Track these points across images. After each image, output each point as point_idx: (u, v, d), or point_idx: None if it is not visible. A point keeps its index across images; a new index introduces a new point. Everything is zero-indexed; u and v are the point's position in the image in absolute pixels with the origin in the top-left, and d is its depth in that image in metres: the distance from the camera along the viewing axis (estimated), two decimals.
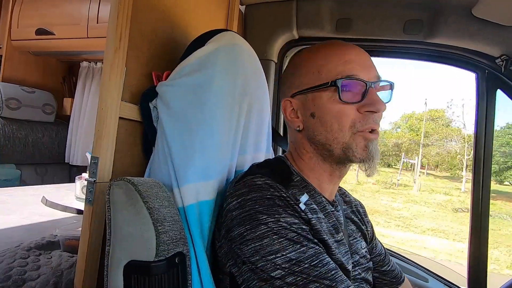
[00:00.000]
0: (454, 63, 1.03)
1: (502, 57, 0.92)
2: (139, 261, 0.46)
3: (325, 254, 0.47)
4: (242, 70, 0.68)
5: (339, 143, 0.53)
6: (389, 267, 0.73)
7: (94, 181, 0.59)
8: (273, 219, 0.46)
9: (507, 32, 0.88)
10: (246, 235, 0.46)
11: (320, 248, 0.47)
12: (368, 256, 0.67)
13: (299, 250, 0.45)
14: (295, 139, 0.60)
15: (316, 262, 0.45)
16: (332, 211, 0.58)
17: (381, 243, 0.76)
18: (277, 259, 0.44)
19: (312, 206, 0.53)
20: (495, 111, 0.99)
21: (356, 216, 0.70)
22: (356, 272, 0.60)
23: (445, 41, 0.99)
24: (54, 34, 1.75)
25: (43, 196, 1.28)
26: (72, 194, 1.41)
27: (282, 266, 0.43)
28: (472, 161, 1.03)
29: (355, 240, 0.64)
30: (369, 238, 0.72)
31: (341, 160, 0.55)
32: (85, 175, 1.41)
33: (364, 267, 0.63)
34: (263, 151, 0.78)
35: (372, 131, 0.53)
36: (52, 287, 0.61)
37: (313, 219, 0.51)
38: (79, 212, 1.16)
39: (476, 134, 1.00)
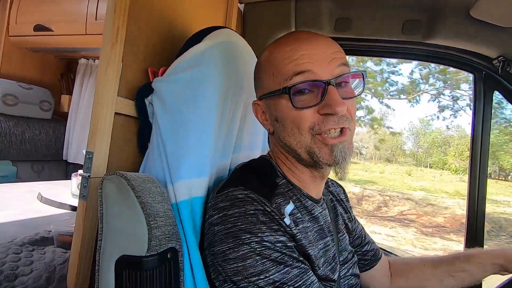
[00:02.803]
0: (452, 64, 1.03)
1: (499, 59, 0.92)
2: (130, 256, 0.46)
3: (310, 273, 0.47)
4: (238, 67, 0.68)
5: (302, 147, 0.51)
6: (369, 247, 0.74)
7: (89, 176, 0.59)
8: (256, 239, 0.44)
9: (505, 33, 0.88)
10: (228, 253, 0.45)
11: (305, 266, 0.47)
12: (352, 249, 0.67)
13: (282, 271, 0.44)
14: (271, 140, 0.60)
15: (299, 283, 0.44)
16: (319, 213, 0.58)
17: (360, 224, 0.76)
18: (259, 281, 0.43)
19: (297, 215, 0.52)
20: (491, 112, 0.99)
21: (341, 205, 0.70)
22: (346, 270, 0.61)
23: (443, 42, 0.99)
24: (53, 31, 1.75)
25: (39, 193, 1.28)
26: (68, 191, 1.40)
27: None
28: (469, 162, 1.03)
29: (343, 236, 0.64)
30: (352, 222, 0.72)
31: (310, 165, 0.53)
32: (81, 172, 1.41)
33: (352, 261, 0.63)
34: (259, 149, 0.78)
35: (342, 130, 0.50)
36: (45, 282, 0.61)
37: (298, 234, 0.50)
38: (74, 208, 1.16)
39: (472, 135, 1.00)
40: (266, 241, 0.45)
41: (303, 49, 0.49)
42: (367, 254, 0.73)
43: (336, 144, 0.49)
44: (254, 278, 0.43)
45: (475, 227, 0.99)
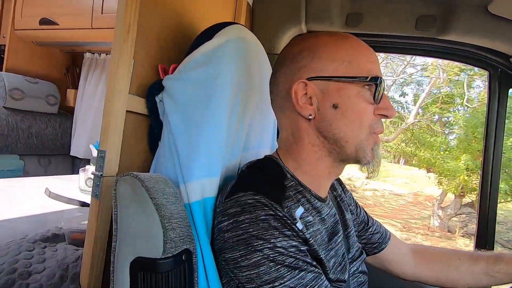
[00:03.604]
0: (467, 61, 1.01)
1: None
2: (145, 258, 0.45)
3: (323, 277, 0.46)
4: (249, 64, 0.67)
5: (355, 141, 0.51)
6: (374, 229, 0.73)
7: (101, 175, 0.58)
8: (269, 245, 0.43)
9: None
10: (240, 261, 0.44)
11: (318, 270, 0.46)
12: (360, 245, 0.67)
13: (297, 277, 0.43)
14: (298, 129, 0.54)
15: None
16: (328, 213, 0.57)
17: (363, 209, 0.76)
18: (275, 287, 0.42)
19: (307, 219, 0.51)
20: (506, 110, 0.97)
21: (342, 197, 0.69)
22: (354, 268, 0.60)
23: (458, 38, 0.96)
24: (58, 24, 1.73)
25: (47, 188, 1.28)
26: (75, 185, 1.41)
27: None
28: (481, 162, 1.01)
29: (351, 232, 0.64)
30: (355, 210, 0.72)
31: (348, 159, 0.53)
32: (89, 167, 1.41)
33: (360, 259, 0.63)
34: (268, 148, 0.77)
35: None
36: (58, 280, 0.61)
37: (310, 238, 0.49)
38: (83, 204, 1.16)
39: (486, 133, 0.99)
40: (279, 247, 0.44)
41: (373, 54, 0.54)
42: (372, 237, 0.72)
43: (379, 143, 0.54)
44: (269, 286, 0.43)
45: (485, 229, 0.98)
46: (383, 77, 0.53)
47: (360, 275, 0.62)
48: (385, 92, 0.54)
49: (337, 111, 0.51)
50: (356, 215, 0.72)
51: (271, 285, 0.42)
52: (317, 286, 0.44)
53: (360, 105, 0.51)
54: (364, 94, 0.51)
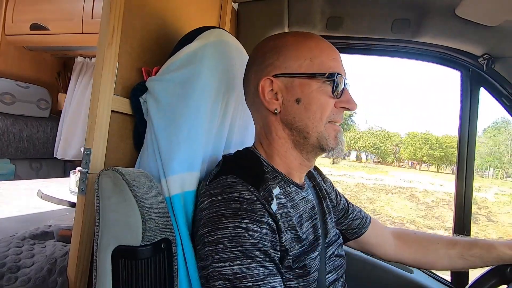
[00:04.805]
0: (440, 62, 1.06)
1: (484, 56, 0.95)
2: (126, 246, 0.48)
3: (276, 278, 0.46)
4: (229, 65, 0.71)
5: (316, 132, 0.56)
6: (354, 215, 0.77)
7: (87, 171, 0.61)
8: (233, 224, 0.45)
9: (489, 32, 0.91)
10: (205, 237, 0.47)
11: (273, 269, 0.46)
12: (337, 231, 0.70)
13: (247, 266, 0.44)
14: (267, 123, 0.59)
15: (260, 283, 0.43)
16: (301, 199, 0.61)
17: (344, 197, 0.79)
18: (224, 268, 0.44)
19: (281, 200, 0.55)
20: (478, 108, 1.03)
21: (321, 186, 0.73)
22: (331, 252, 0.64)
23: (430, 40, 1.02)
24: (49, 29, 1.75)
25: (39, 190, 1.30)
26: (66, 187, 1.43)
27: (226, 277, 0.43)
28: (456, 157, 1.06)
29: (329, 219, 0.67)
30: (335, 199, 0.75)
31: (313, 148, 0.57)
32: (80, 169, 1.43)
33: (337, 243, 0.66)
34: (251, 145, 0.81)
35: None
36: (46, 273, 0.64)
37: (280, 219, 0.51)
38: (73, 205, 1.18)
39: (460, 131, 1.03)
40: (243, 228, 0.45)
41: (335, 52, 0.58)
42: (352, 223, 0.77)
43: (340, 130, 0.58)
44: (219, 265, 0.44)
45: (462, 216, 1.03)
46: (345, 73, 0.58)
47: (337, 258, 0.65)
48: (347, 87, 0.59)
49: (300, 105, 0.56)
50: (336, 203, 0.76)
51: (221, 264, 0.44)
52: (263, 283, 0.44)
53: (321, 99, 0.55)
54: (325, 88, 0.55)
